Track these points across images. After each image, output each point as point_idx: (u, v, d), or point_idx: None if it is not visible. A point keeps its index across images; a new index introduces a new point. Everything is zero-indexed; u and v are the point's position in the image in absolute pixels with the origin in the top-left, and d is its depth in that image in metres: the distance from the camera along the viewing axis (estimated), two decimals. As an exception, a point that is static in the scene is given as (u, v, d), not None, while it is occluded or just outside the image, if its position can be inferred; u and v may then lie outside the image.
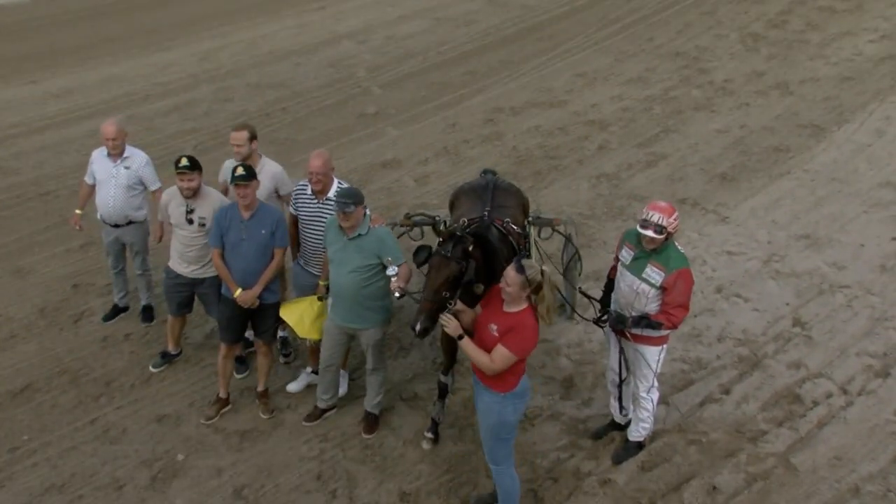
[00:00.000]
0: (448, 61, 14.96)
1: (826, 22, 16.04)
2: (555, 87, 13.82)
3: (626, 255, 6.35)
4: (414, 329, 5.85)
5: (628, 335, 6.43)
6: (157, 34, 16.65)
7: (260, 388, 7.35)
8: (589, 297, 6.97)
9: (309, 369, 7.62)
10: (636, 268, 6.24)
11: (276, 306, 7.06)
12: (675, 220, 6.10)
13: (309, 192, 7.00)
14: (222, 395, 7.32)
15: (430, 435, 7.06)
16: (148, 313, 8.41)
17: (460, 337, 5.65)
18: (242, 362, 7.75)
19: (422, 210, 8.08)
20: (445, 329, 5.74)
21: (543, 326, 5.71)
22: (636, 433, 6.86)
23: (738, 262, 9.25)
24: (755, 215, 10.15)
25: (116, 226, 7.96)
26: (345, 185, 7.00)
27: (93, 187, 8.00)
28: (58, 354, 8.05)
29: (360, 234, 6.47)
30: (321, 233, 6.94)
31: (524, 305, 5.57)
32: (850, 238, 9.64)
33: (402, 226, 8.16)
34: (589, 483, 6.64)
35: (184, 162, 6.92)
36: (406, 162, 11.57)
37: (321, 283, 7.03)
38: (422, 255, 6.16)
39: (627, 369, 6.65)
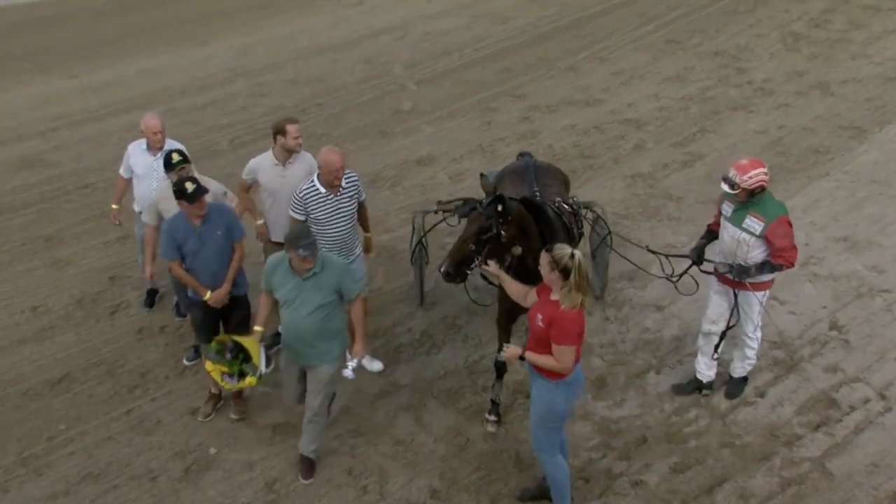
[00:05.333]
0: (484, 58, 14.93)
1: (870, 21, 15.78)
2: (591, 85, 13.74)
3: (727, 208, 6.85)
4: (440, 270, 6.23)
5: (747, 284, 6.80)
6: (195, 28, 16.79)
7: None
8: (667, 257, 7.30)
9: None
10: (737, 219, 6.74)
11: (245, 298, 7.06)
12: (749, 177, 6.54)
13: (321, 191, 6.90)
14: (214, 391, 7.29)
15: (492, 417, 7.08)
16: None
17: (521, 357, 5.73)
18: (197, 350, 7.68)
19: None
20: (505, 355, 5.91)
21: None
22: (741, 370, 7.35)
23: (775, 263, 9.13)
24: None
25: None
26: (352, 175, 7.07)
27: (128, 181, 8.05)
28: (94, 346, 8.16)
29: (315, 273, 6.14)
30: (343, 225, 7.02)
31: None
32: (890, 241, 9.47)
33: (436, 212, 8.31)
34: (620, 484, 6.61)
35: (176, 157, 7.01)
36: (441, 159, 11.57)
37: (258, 328, 6.58)
38: (466, 208, 6.48)
39: (739, 317, 7.00)
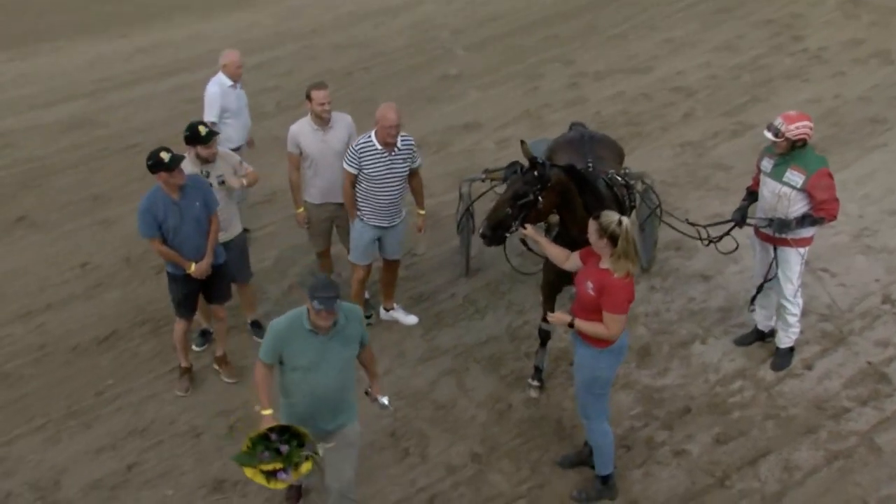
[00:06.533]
0: (532, 24, 14.74)
1: (933, -13, 15.28)
2: (639, 52, 13.51)
3: (767, 164, 6.80)
4: (479, 232, 6.35)
5: (789, 240, 6.76)
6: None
7: (219, 354, 7.30)
8: (706, 227, 7.16)
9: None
10: (777, 174, 6.68)
11: (226, 266, 7.00)
12: (796, 128, 6.46)
13: (377, 147, 6.99)
14: (185, 364, 7.26)
15: (535, 383, 7.11)
16: None
17: (570, 325, 5.69)
18: (205, 335, 7.72)
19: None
20: (550, 320, 6.03)
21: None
22: (786, 340, 7.23)
23: (826, 235, 8.87)
24: (846, 188, 9.71)
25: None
26: (408, 137, 7.09)
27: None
28: (140, 304, 8.26)
29: (341, 325, 5.24)
30: (395, 185, 7.12)
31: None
32: (948, 215, 9.23)
33: (484, 180, 8.29)
34: (662, 453, 6.56)
35: (203, 130, 6.82)
36: (487, 125, 11.48)
37: (267, 412, 5.37)
38: (509, 171, 6.59)
39: (779, 272, 6.93)
